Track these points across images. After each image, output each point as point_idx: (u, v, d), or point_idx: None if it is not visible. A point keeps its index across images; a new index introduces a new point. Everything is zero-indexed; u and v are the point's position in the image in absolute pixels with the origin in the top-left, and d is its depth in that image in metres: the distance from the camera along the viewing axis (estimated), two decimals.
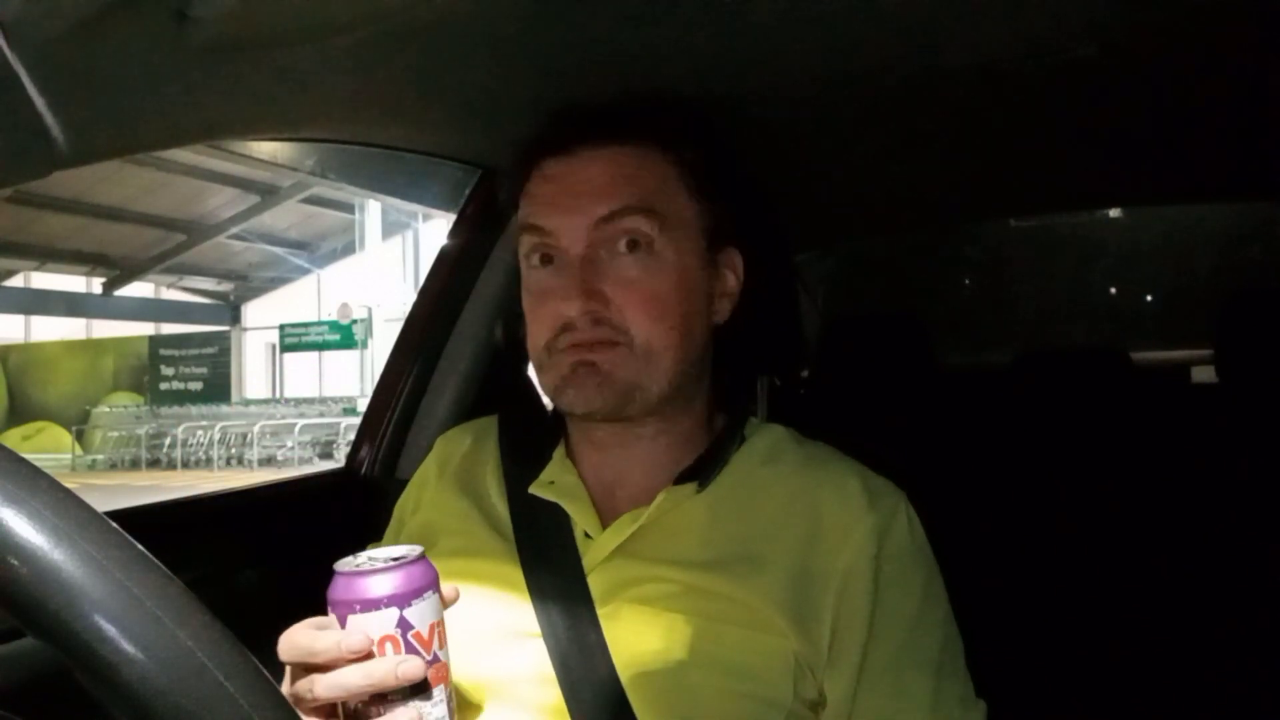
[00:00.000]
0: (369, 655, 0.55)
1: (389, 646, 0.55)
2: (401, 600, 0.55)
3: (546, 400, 0.94)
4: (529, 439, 0.87)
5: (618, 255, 0.77)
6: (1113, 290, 3.56)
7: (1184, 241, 3.39)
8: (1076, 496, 1.50)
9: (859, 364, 1.79)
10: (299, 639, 0.57)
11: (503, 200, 0.86)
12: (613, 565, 0.76)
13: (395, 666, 0.54)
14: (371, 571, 0.56)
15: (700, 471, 0.79)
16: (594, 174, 0.78)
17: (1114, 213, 3.16)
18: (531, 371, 0.92)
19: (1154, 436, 1.54)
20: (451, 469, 0.89)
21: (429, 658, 0.56)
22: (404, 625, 0.55)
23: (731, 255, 0.84)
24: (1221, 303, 1.60)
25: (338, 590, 0.56)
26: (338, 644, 0.55)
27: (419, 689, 0.56)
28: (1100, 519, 1.47)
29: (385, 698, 0.55)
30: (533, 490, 0.81)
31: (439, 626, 0.58)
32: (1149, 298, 3.57)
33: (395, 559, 0.57)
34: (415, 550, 0.58)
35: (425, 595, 0.57)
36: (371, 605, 0.55)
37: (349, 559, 0.58)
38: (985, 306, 3.57)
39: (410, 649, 0.55)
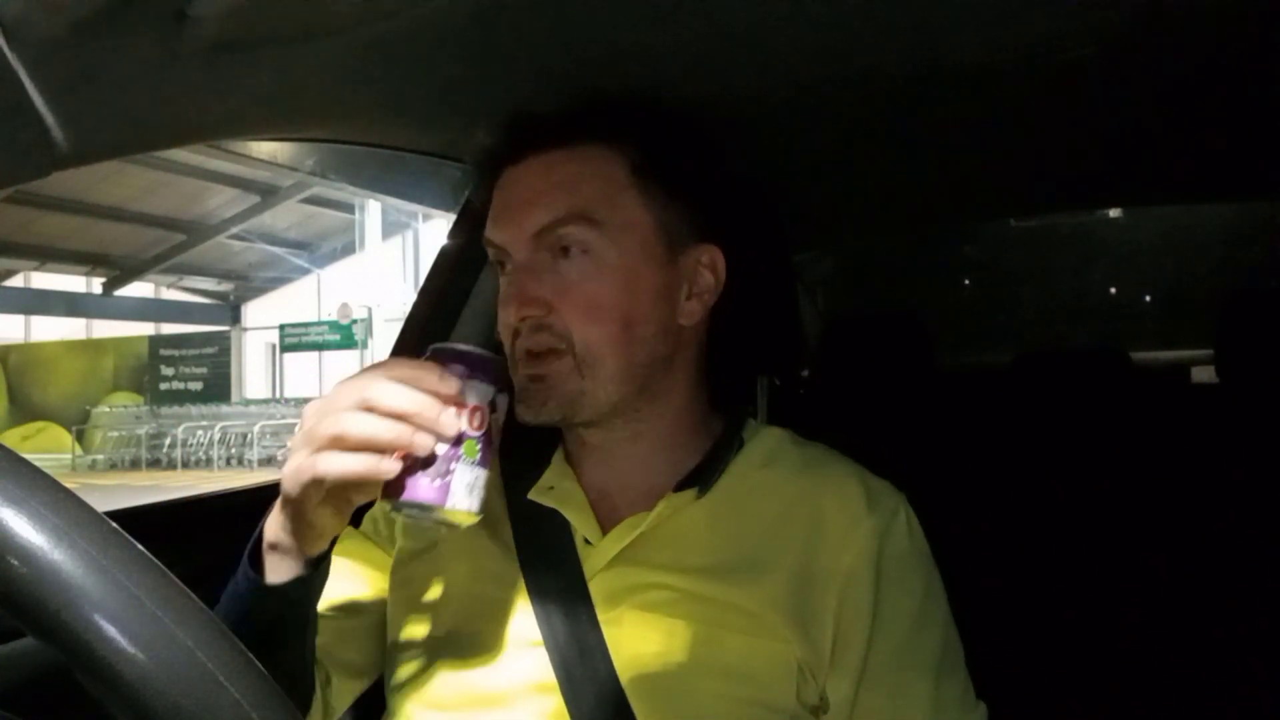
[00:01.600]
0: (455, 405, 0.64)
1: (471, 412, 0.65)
2: (495, 381, 0.67)
3: None
4: (527, 443, 0.86)
5: (558, 261, 0.76)
6: (1113, 290, 3.56)
7: (1184, 241, 3.39)
8: (1076, 496, 1.50)
9: (859, 364, 1.79)
10: (401, 365, 0.64)
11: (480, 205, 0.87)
12: (613, 572, 0.76)
13: (467, 418, 0.64)
14: (475, 355, 0.67)
15: (700, 477, 0.79)
16: (534, 182, 0.78)
17: (1114, 213, 3.16)
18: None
19: (1154, 436, 1.54)
20: None
21: (488, 439, 0.66)
22: (485, 405, 0.66)
23: (709, 252, 0.82)
24: (1221, 303, 1.60)
25: (445, 357, 0.66)
26: (438, 379, 0.63)
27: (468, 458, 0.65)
28: (1100, 519, 1.47)
29: (430, 461, 0.63)
30: (532, 496, 0.81)
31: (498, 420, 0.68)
32: (1149, 298, 3.57)
33: (480, 352, 0.67)
34: (490, 353, 0.68)
35: (505, 392, 0.68)
36: (468, 376, 0.65)
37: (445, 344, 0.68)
38: (985, 306, 3.57)
39: (483, 424, 0.66)
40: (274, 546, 0.67)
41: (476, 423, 0.65)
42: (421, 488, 0.63)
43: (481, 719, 0.74)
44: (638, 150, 0.79)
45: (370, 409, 0.61)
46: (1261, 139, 1.25)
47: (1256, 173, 1.46)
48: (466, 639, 0.77)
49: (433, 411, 0.62)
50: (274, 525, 0.67)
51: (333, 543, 0.69)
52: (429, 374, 0.63)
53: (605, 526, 0.79)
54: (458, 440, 0.64)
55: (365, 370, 0.65)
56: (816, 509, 0.77)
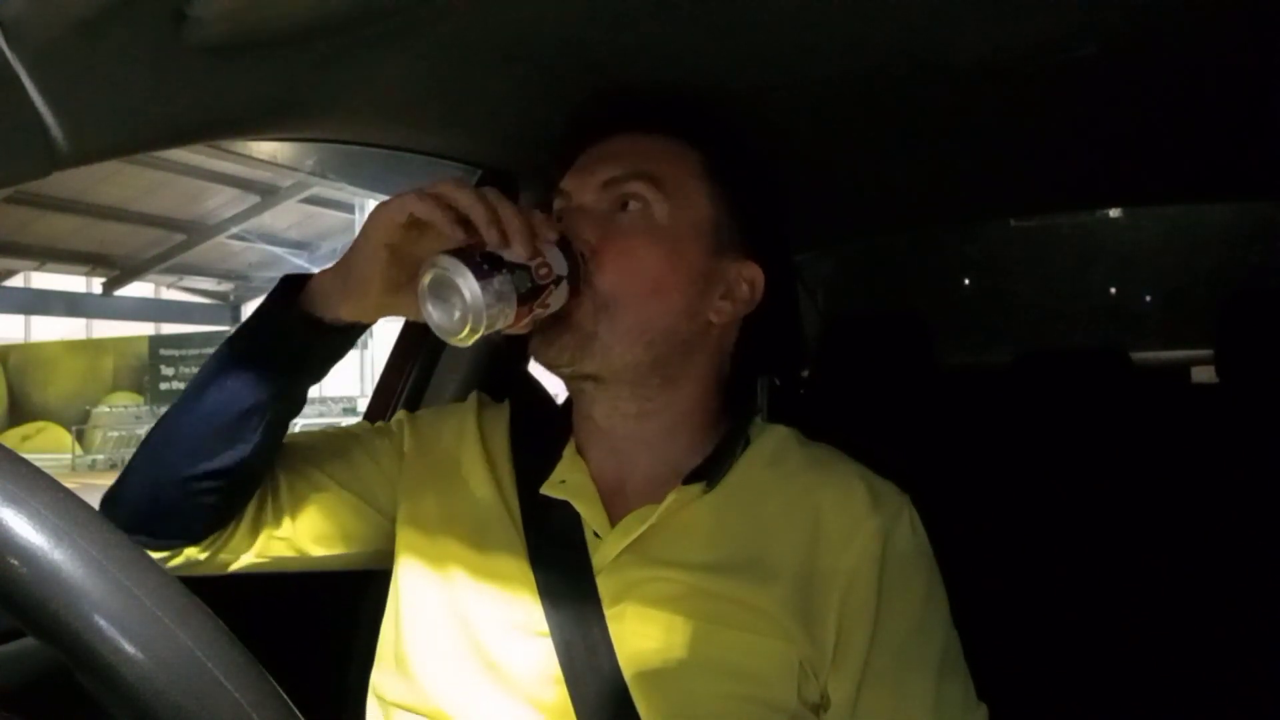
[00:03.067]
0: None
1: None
2: (569, 274, 0.74)
3: (556, 395, 0.94)
4: (539, 435, 0.87)
5: (615, 212, 0.80)
6: (1113, 290, 3.56)
7: (1184, 241, 3.39)
8: (1076, 496, 1.50)
9: (859, 364, 1.79)
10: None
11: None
12: (620, 566, 0.77)
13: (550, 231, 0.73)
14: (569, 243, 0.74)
15: (707, 472, 0.79)
16: (612, 146, 0.84)
17: (1114, 213, 3.16)
18: (533, 370, 0.92)
19: (1154, 436, 1.54)
20: (474, 436, 0.89)
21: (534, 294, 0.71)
22: (552, 268, 0.72)
23: (751, 269, 0.84)
24: (1221, 303, 1.60)
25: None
26: (543, 222, 0.73)
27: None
28: (1100, 519, 1.47)
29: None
30: (544, 490, 0.82)
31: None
32: (1149, 298, 3.57)
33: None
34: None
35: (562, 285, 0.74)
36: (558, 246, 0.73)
37: None
38: (985, 306, 3.56)
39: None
40: (320, 292, 0.75)
41: (543, 272, 0.71)
42: (468, 264, 0.67)
43: (485, 707, 0.74)
44: (711, 153, 0.84)
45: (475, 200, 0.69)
46: (1261, 139, 1.25)
47: (1256, 173, 1.46)
48: (472, 627, 0.77)
49: (522, 231, 0.69)
50: (328, 274, 0.75)
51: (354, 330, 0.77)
52: (539, 216, 0.72)
53: (614, 519, 0.79)
54: (519, 265, 0.69)
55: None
56: (821, 508, 0.78)
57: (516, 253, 0.69)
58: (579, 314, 0.77)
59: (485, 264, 0.68)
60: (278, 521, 0.83)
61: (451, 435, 0.90)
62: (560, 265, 0.72)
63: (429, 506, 0.86)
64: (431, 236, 0.71)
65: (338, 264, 0.75)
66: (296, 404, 0.80)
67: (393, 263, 0.71)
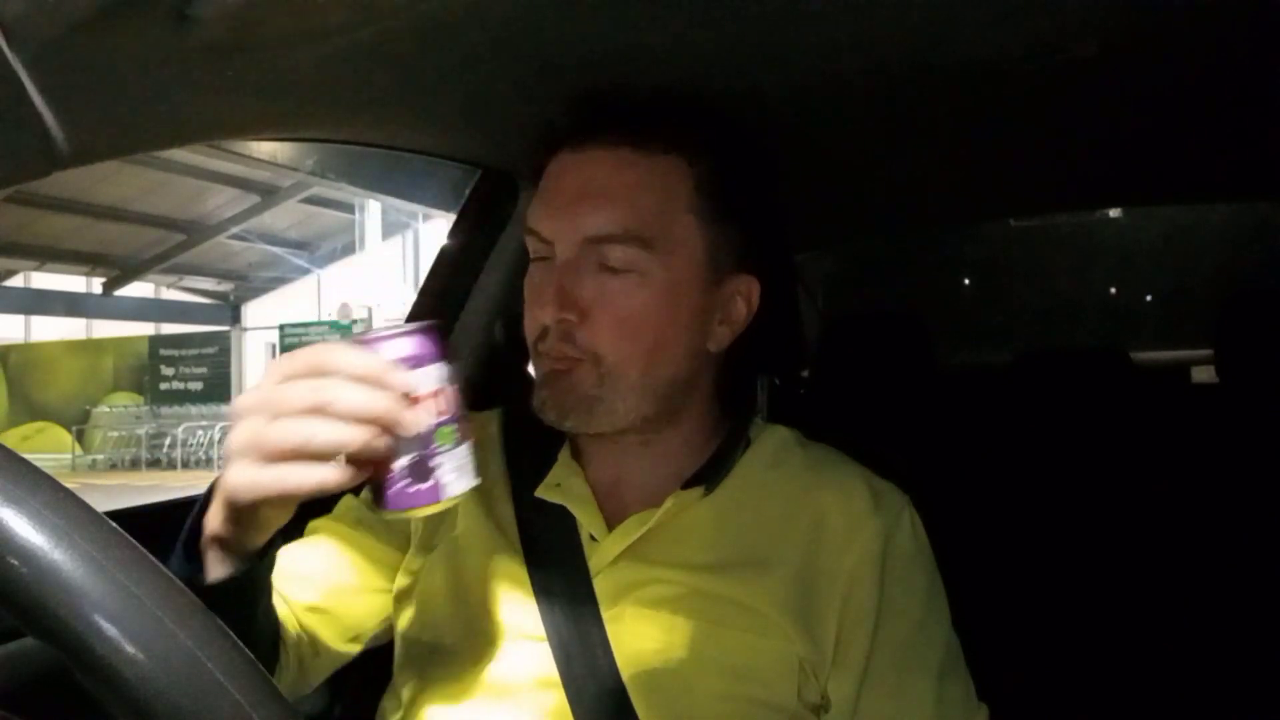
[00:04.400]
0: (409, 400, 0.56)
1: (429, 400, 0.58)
2: (443, 351, 0.59)
3: None
4: (534, 438, 0.86)
5: (603, 269, 0.75)
6: (1113, 290, 3.56)
7: (1184, 241, 3.39)
8: (1076, 496, 1.50)
9: (859, 364, 1.79)
10: (352, 358, 0.55)
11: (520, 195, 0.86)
12: (618, 568, 0.76)
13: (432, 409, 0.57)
14: (417, 332, 0.59)
15: (707, 476, 0.79)
16: (596, 178, 0.76)
17: (1114, 213, 3.16)
18: (533, 370, 0.91)
19: (1154, 436, 1.54)
20: None
21: (457, 414, 0.59)
22: (445, 384, 0.59)
23: (747, 283, 0.82)
24: (1221, 303, 1.60)
25: (387, 341, 0.58)
26: (396, 373, 0.55)
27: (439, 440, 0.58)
28: (1100, 519, 1.47)
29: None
30: (539, 493, 0.81)
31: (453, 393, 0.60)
32: (1149, 298, 3.57)
33: (416, 328, 0.59)
34: (425, 323, 0.60)
35: (444, 361, 0.60)
36: (416, 362, 0.57)
37: (367, 332, 0.59)
38: (985, 306, 3.56)
39: (439, 405, 0.58)
40: (216, 540, 0.60)
41: (444, 407, 0.58)
42: (410, 494, 0.58)
43: (483, 712, 0.74)
44: (707, 168, 0.78)
45: (327, 412, 0.53)
46: (1261, 139, 1.25)
47: (1256, 173, 1.46)
48: (470, 632, 0.77)
49: (399, 412, 0.55)
50: (215, 519, 0.59)
51: (278, 532, 0.63)
52: (385, 368, 0.55)
53: (611, 523, 0.79)
54: (432, 433, 0.58)
55: (307, 355, 0.55)
56: (821, 509, 0.77)
57: (424, 429, 0.57)
58: (581, 380, 0.76)
59: (421, 479, 0.57)
60: (316, 652, 0.80)
61: None
62: (439, 366, 0.59)
63: (424, 522, 0.86)
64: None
65: (218, 514, 0.59)
66: (250, 619, 0.66)
67: (284, 503, 0.58)
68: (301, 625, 0.78)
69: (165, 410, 17.11)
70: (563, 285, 0.75)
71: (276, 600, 0.73)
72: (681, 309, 0.77)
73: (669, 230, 0.76)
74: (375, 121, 0.96)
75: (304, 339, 16.49)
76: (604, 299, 0.75)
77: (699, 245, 0.78)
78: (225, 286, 19.65)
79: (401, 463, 0.57)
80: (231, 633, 0.38)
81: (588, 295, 0.75)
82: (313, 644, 0.79)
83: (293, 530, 0.84)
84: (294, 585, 0.79)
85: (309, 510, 0.83)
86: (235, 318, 19.79)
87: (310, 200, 15.64)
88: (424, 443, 0.57)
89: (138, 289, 18.53)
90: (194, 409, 16.79)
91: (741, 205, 0.81)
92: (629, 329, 0.75)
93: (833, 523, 0.77)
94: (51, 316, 18.47)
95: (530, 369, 0.86)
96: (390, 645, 0.85)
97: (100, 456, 16.88)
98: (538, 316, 0.77)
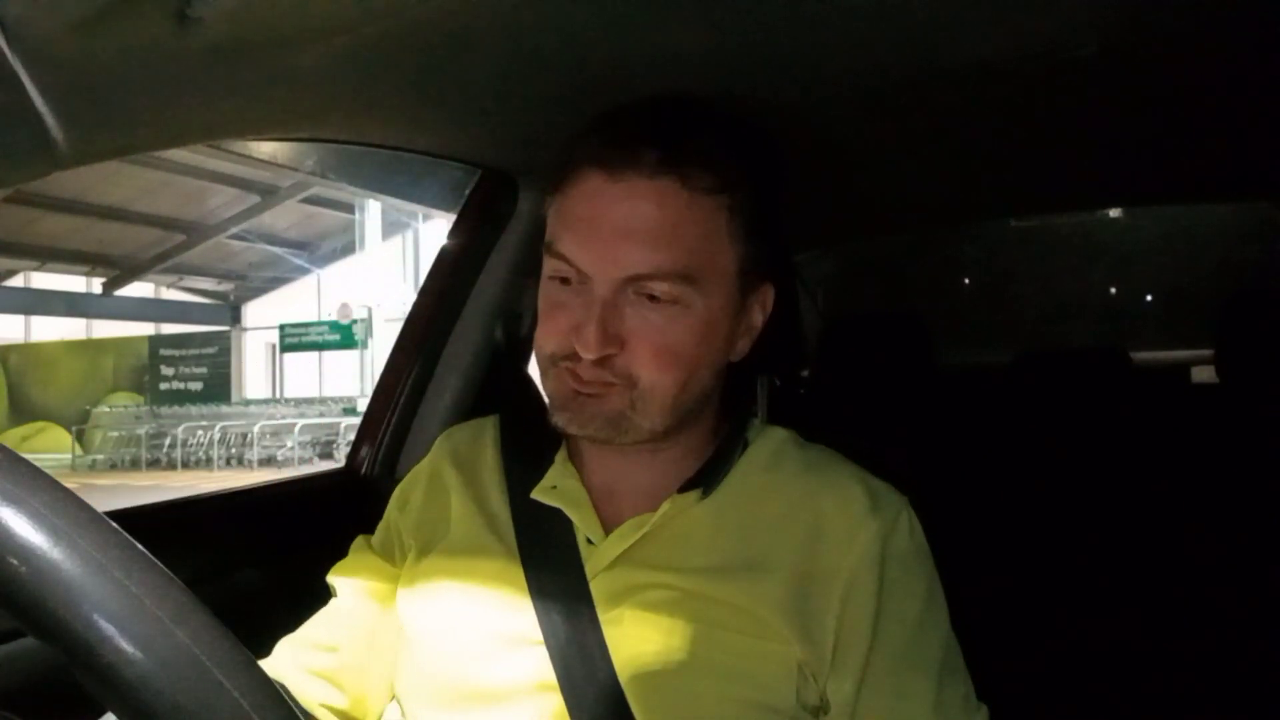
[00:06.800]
0: None
1: None
2: None
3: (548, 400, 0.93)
4: (531, 441, 0.86)
5: (643, 302, 0.74)
6: (1113, 290, 3.55)
7: (1184, 241, 3.38)
8: (1076, 496, 1.50)
9: (859, 364, 1.79)
10: None
11: (529, 198, 0.83)
12: (615, 572, 0.76)
13: None
14: None
15: (704, 479, 0.79)
16: (639, 214, 0.73)
17: (1114, 213, 3.16)
18: (532, 371, 0.91)
19: (1154, 436, 1.54)
20: (451, 467, 0.89)
21: None
22: None
23: (764, 291, 0.82)
24: (1221, 303, 1.60)
25: None
26: None
27: None
28: (1100, 519, 1.47)
29: None
30: (535, 495, 0.81)
31: None
32: (1149, 298, 3.57)
33: None
34: None
35: None
36: None
37: None
38: (985, 306, 3.56)
39: None
40: None
41: None
42: None
43: (482, 717, 0.74)
44: (744, 195, 0.77)
45: None
46: (1261, 139, 1.25)
47: (1256, 173, 1.46)
48: (467, 637, 0.77)
49: None
50: None
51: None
52: None
53: (608, 526, 0.79)
54: None
55: None
56: (819, 511, 0.77)
57: None
58: (611, 404, 0.75)
59: None
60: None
61: (427, 480, 0.89)
62: None
63: (413, 517, 0.87)
64: None
65: None
66: None
67: None
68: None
69: (165, 410, 17.11)
70: (605, 322, 0.73)
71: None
72: (717, 334, 0.77)
73: (711, 259, 0.75)
74: (375, 121, 0.96)
75: (304, 339, 16.53)
76: (644, 330, 0.74)
77: (732, 269, 0.77)
78: (225, 286, 19.66)
79: None
80: (231, 632, 0.38)
81: (628, 327, 0.74)
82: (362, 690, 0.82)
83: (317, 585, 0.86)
84: (321, 688, 0.81)
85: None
86: (235, 318, 19.80)
87: (310, 200, 15.64)
88: None
89: (138, 289, 18.53)
90: (194, 409, 16.79)
91: (769, 220, 0.81)
92: (668, 358, 0.74)
93: (830, 525, 0.76)
94: (51, 316, 18.48)
95: (530, 370, 0.86)
96: None
97: (100, 456, 16.88)
98: (569, 340, 0.74)
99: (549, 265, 0.78)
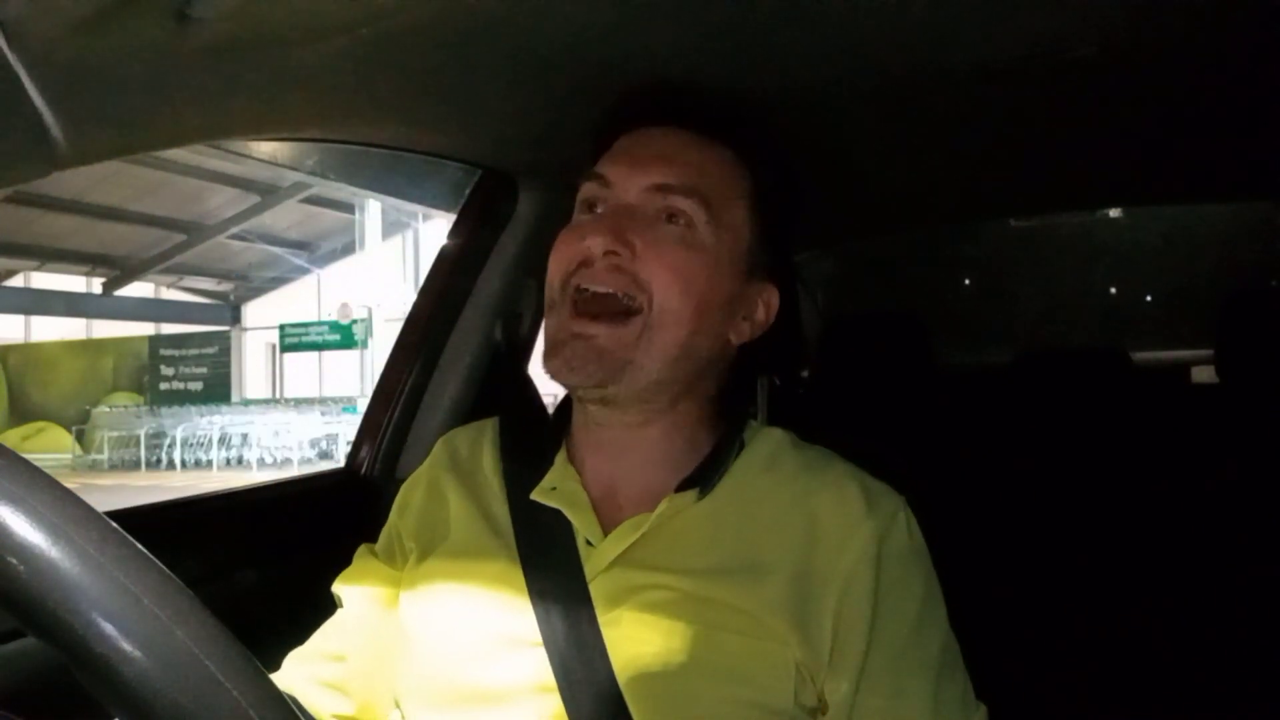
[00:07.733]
0: None
1: None
2: None
3: (548, 401, 0.94)
4: (530, 442, 0.86)
5: (660, 221, 0.78)
6: (1113, 290, 3.55)
7: (1184, 241, 3.38)
8: (1076, 496, 1.50)
9: (859, 364, 1.79)
10: None
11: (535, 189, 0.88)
12: (614, 573, 0.76)
13: None
14: None
15: (701, 479, 0.79)
16: (668, 145, 0.81)
17: (1114, 213, 3.15)
18: (532, 371, 0.91)
19: (1154, 436, 1.54)
20: (450, 470, 0.89)
21: None
22: None
23: (769, 292, 0.85)
24: (1221, 303, 1.60)
25: None
26: None
27: None
28: (1099, 519, 1.47)
29: None
30: (534, 497, 0.81)
31: None
32: (1149, 298, 3.57)
33: None
34: None
35: None
36: None
37: None
38: (985, 306, 3.56)
39: None
40: None
41: None
42: None
43: (480, 719, 0.74)
44: (764, 181, 0.83)
45: None
46: (1261, 139, 1.25)
47: (1256, 173, 1.46)
48: (466, 638, 0.77)
49: None
50: None
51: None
52: None
53: (607, 528, 0.79)
54: None
55: None
56: (816, 511, 0.77)
57: None
58: (613, 341, 0.76)
59: None
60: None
61: (427, 483, 0.90)
62: None
63: (413, 519, 0.87)
64: None
65: None
66: None
67: None
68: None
69: (165, 410, 17.11)
70: (621, 219, 0.77)
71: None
72: (724, 283, 0.80)
73: (727, 207, 0.80)
74: (375, 121, 0.96)
75: (304, 339, 16.53)
76: (661, 245, 0.77)
77: (746, 237, 0.82)
78: (225, 286, 19.66)
79: None
80: (230, 632, 0.38)
81: (644, 237, 0.77)
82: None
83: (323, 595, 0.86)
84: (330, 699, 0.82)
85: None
86: (235, 318, 19.80)
87: (310, 200, 15.65)
88: None
89: (138, 289, 18.53)
90: (194, 409, 16.80)
91: (784, 223, 0.86)
92: (681, 278, 0.77)
93: (828, 525, 0.76)
94: (51, 316, 18.48)
95: (531, 370, 0.86)
96: None
97: (100, 456, 16.87)
98: (583, 246, 0.77)
99: (583, 194, 0.83)
